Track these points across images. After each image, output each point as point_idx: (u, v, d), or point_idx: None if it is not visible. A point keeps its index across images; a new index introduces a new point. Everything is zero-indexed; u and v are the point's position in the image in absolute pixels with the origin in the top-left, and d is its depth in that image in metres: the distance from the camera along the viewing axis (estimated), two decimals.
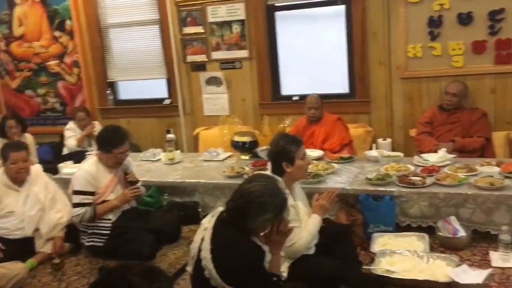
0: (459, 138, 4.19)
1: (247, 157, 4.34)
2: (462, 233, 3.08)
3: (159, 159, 4.55)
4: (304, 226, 2.72)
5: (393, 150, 4.62)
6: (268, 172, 2.85)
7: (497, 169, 3.42)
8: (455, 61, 4.44)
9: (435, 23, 4.42)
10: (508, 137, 4.35)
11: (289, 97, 5.19)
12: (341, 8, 4.82)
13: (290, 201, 2.69)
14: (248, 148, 4.34)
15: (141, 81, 5.80)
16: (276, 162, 2.77)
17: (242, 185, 2.23)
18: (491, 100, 4.44)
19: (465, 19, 4.32)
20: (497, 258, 2.91)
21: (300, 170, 2.78)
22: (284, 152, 2.73)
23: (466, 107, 4.35)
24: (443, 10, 4.37)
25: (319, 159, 4.12)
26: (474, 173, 3.39)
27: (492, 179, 3.21)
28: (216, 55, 5.30)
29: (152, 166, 4.42)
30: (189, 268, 2.31)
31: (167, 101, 5.69)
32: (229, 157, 4.46)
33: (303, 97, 4.80)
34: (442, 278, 2.64)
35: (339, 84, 5.05)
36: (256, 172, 3.06)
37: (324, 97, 4.66)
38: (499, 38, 4.26)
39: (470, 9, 4.29)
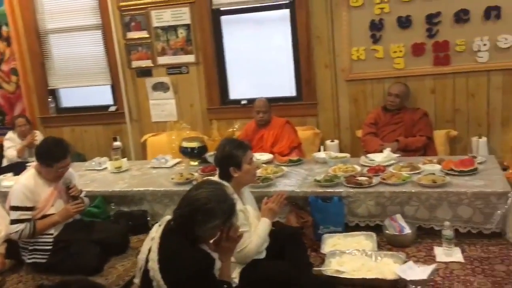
0: (403, 137, 4.32)
1: (196, 163, 4.29)
2: (407, 230, 3.16)
3: (105, 168, 4.42)
4: (254, 230, 2.71)
5: (341, 151, 4.72)
6: (216, 177, 2.82)
7: (438, 166, 3.54)
8: (397, 63, 4.57)
9: (376, 27, 4.54)
10: (448, 135, 4.52)
11: (237, 101, 5.18)
12: (286, 12, 4.87)
13: (239, 205, 2.68)
14: (197, 153, 4.30)
15: (84, 88, 5.62)
16: (223, 167, 2.75)
17: (189, 192, 2.19)
18: (431, 100, 4.60)
19: (404, 23, 4.47)
20: (441, 253, 3.01)
21: (247, 174, 2.77)
22: (231, 157, 2.71)
23: (408, 107, 4.49)
24: (383, 13, 4.50)
25: (268, 162, 4.13)
26: (417, 171, 3.50)
27: (434, 176, 3.32)
28: (162, 60, 5.21)
29: (98, 175, 4.28)
30: (137, 280, 2.25)
31: (113, 108, 5.54)
32: (178, 163, 4.40)
33: (251, 101, 4.80)
34: (389, 276, 2.69)
35: (287, 87, 5.09)
36: (204, 178, 3.02)
37: (272, 100, 4.68)
38: (437, 41, 4.43)
39: (408, 12, 4.43)
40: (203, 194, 2.12)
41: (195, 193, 2.14)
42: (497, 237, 3.14)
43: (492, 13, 4.25)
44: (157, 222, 2.33)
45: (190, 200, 2.12)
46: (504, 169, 3.80)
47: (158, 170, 4.26)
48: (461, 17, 4.32)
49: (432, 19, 4.39)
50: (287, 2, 4.82)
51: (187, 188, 3.64)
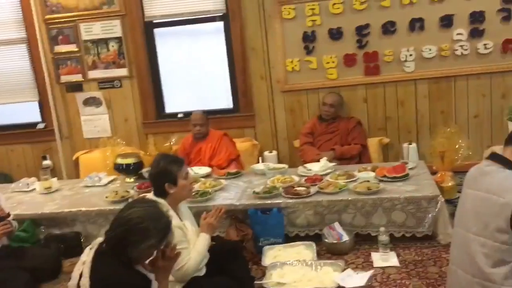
0: (338, 146, 4.41)
1: (132, 180, 4.16)
2: (345, 238, 3.22)
3: (34, 189, 4.17)
4: (193, 247, 2.65)
5: (279, 161, 4.75)
6: (151, 194, 2.73)
7: (372, 174, 3.64)
8: (330, 74, 4.68)
9: (309, 38, 4.63)
10: (381, 142, 4.67)
11: (173, 115, 5.09)
12: (220, 24, 4.86)
13: (177, 222, 2.61)
14: (133, 170, 4.16)
15: (9, 104, 5.30)
16: (158, 183, 2.67)
17: (121, 212, 2.10)
18: (363, 109, 4.75)
19: (335, 34, 4.59)
20: (378, 258, 3.08)
21: (183, 190, 2.71)
22: (166, 172, 2.64)
23: (342, 116, 4.60)
24: (315, 26, 4.59)
25: (206, 176, 4.08)
26: (352, 179, 3.57)
27: (368, 184, 3.40)
28: (93, 74, 5.04)
29: (26, 197, 4.04)
30: None
31: (41, 125, 5.27)
32: (112, 181, 4.24)
33: (188, 114, 4.74)
34: (329, 284, 2.72)
35: (223, 99, 5.07)
36: (136, 197, 2.92)
37: (209, 113, 4.64)
38: (367, 51, 4.58)
39: (339, 24, 4.56)
40: (136, 213, 2.03)
41: (127, 212, 2.05)
42: (430, 240, 3.26)
43: (416, 24, 4.45)
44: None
45: (123, 220, 2.03)
46: (434, 173, 3.97)
47: (91, 189, 4.08)
48: (389, 28, 4.49)
49: (361, 31, 4.54)
50: (221, 14, 4.81)
51: (122, 207, 3.56)
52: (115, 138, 4.64)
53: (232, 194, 3.62)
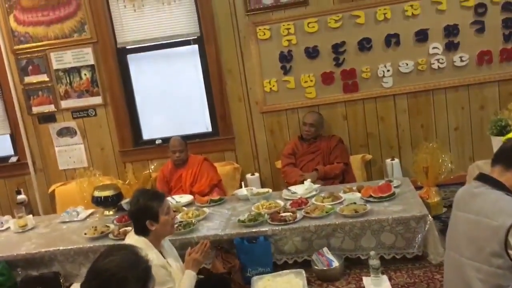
0: (321, 166, 4.34)
1: (111, 212, 4.02)
2: (335, 263, 3.14)
3: (8, 228, 3.99)
4: (179, 285, 2.54)
5: (262, 183, 4.68)
6: (132, 233, 2.61)
7: (358, 194, 3.57)
8: (309, 93, 4.64)
9: (286, 58, 4.59)
10: (364, 159, 4.63)
11: (151, 141, 4.97)
12: (196, 47, 4.79)
13: (160, 261, 2.50)
14: (112, 202, 4.02)
15: None
16: (139, 221, 2.55)
17: (96, 262, 1.95)
18: (344, 126, 4.71)
19: (312, 53, 4.55)
20: (370, 283, 3.01)
21: (166, 226, 2.60)
22: (146, 209, 2.53)
23: (323, 135, 4.55)
24: (291, 45, 4.55)
25: (189, 204, 3.96)
26: (339, 201, 3.50)
27: (355, 206, 3.34)
28: (66, 103, 4.89)
29: (0, 237, 3.85)
30: None
31: (14, 159, 5.08)
32: (91, 214, 4.08)
33: (166, 140, 4.63)
34: None
35: (202, 123, 4.98)
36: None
37: (187, 137, 4.55)
38: (344, 69, 4.55)
39: (315, 43, 4.53)
40: (113, 263, 1.89)
41: (103, 262, 1.91)
42: (420, 260, 3.20)
43: (392, 40, 4.45)
44: (71, 284, 2.07)
45: (99, 271, 1.89)
46: (419, 188, 3.94)
47: (69, 224, 3.92)
48: (365, 45, 4.48)
49: (338, 49, 4.52)
50: (195, 37, 4.74)
51: (103, 243, 3.43)
52: (91, 169, 4.52)
53: (217, 223, 3.51)
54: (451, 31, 4.37)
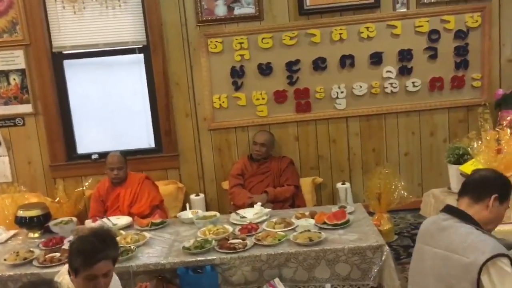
0: (271, 188, 4.14)
1: (36, 235, 3.56)
2: None
3: None
4: None
5: (207, 206, 4.44)
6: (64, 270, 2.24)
7: (312, 221, 3.38)
8: (260, 111, 4.46)
9: (238, 74, 4.40)
10: (314, 182, 4.48)
11: (87, 156, 4.57)
12: (140, 56, 4.47)
13: None
14: (38, 223, 3.57)
15: None
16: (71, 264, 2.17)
17: None
18: (295, 147, 4.55)
19: (265, 70, 4.39)
20: None
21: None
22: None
23: (274, 156, 4.36)
24: (244, 60, 4.37)
25: (127, 227, 3.60)
26: (291, 227, 3.29)
27: (310, 233, 3.12)
28: None
29: None
30: None
31: None
32: (13, 236, 3.60)
33: (103, 155, 4.24)
34: None
35: (144, 138, 4.65)
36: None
37: (128, 153, 4.19)
38: (298, 88, 4.42)
39: (269, 60, 4.37)
40: None
41: None
42: None
43: (347, 61, 4.37)
44: None
45: None
46: (370, 213, 3.83)
47: None
48: (319, 65, 4.38)
49: (292, 67, 4.38)
50: (140, 46, 4.42)
51: (25, 271, 2.99)
52: (16, 185, 4.08)
53: (158, 249, 3.17)
54: (405, 55, 4.36)
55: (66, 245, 3.13)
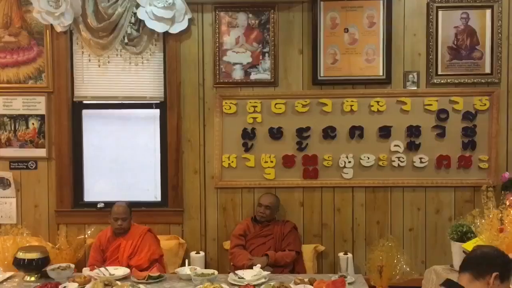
0: (273, 252, 4.10)
1: (32, 278, 3.54)
2: None
3: None
4: None
5: (206, 264, 4.37)
6: None
7: (310, 287, 3.32)
8: (268, 173, 4.49)
9: (248, 135, 4.48)
10: (316, 250, 4.42)
11: (92, 204, 4.58)
12: (156, 111, 4.61)
13: None
14: (36, 267, 3.56)
15: None
16: None
17: None
18: (299, 213, 4.53)
19: (276, 134, 4.47)
20: None
21: None
22: None
23: (277, 219, 4.35)
24: (256, 123, 4.47)
25: (124, 278, 3.56)
26: None
27: None
28: (5, 152, 4.50)
29: None
30: None
31: None
32: (9, 278, 3.58)
33: (108, 204, 4.26)
34: None
35: (151, 191, 4.68)
36: None
37: (133, 204, 4.21)
38: (306, 154, 4.47)
39: (280, 124, 4.46)
40: None
41: None
42: None
43: (356, 132, 4.45)
44: None
45: None
46: (371, 287, 3.75)
47: None
48: (329, 133, 4.45)
49: (302, 133, 4.46)
50: (158, 102, 4.58)
51: None
52: (19, 227, 4.07)
53: None
54: (413, 131, 4.43)
55: None
